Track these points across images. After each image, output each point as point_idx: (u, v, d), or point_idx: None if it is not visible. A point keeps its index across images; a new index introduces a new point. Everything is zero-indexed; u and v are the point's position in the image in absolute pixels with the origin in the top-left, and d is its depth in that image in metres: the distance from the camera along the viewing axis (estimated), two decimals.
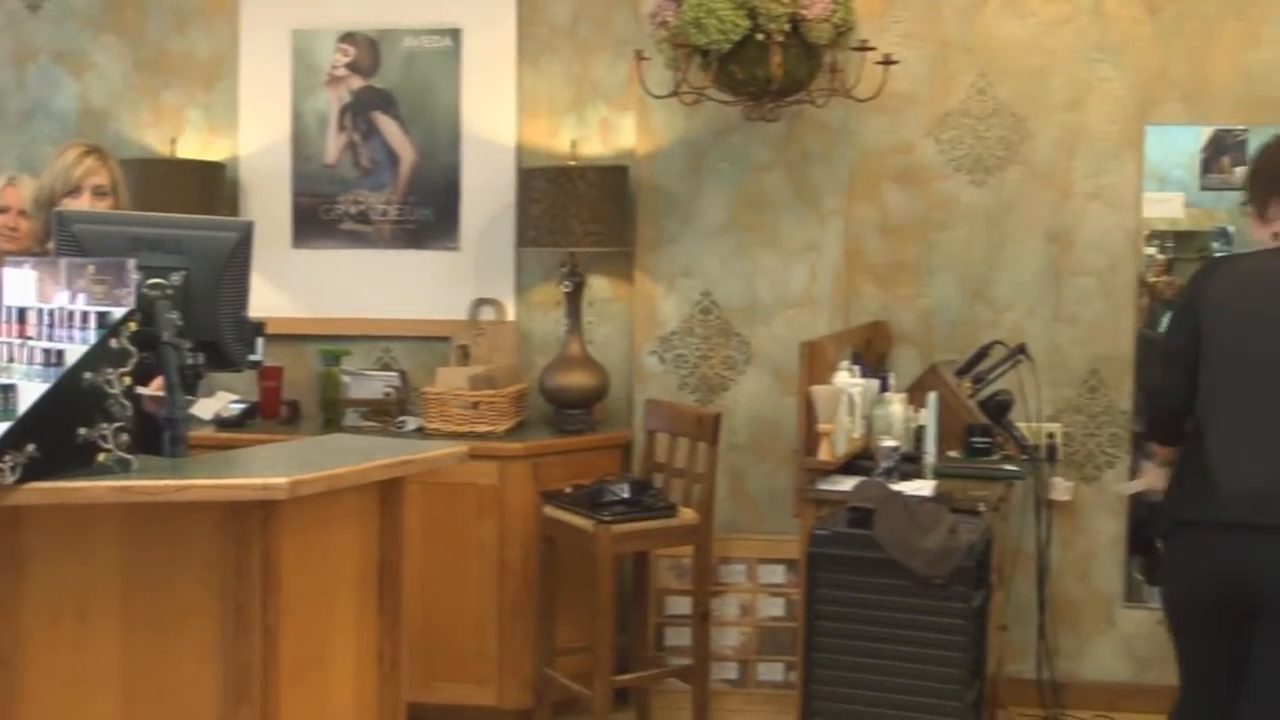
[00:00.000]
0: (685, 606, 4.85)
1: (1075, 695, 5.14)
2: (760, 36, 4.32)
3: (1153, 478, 3.93)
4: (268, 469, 3.14)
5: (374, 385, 5.18)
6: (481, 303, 5.35)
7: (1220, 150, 5.32)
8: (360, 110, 5.41)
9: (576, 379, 5.04)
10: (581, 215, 4.89)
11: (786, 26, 4.31)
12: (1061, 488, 5.14)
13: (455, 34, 5.34)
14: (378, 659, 3.37)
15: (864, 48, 4.53)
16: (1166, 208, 5.18)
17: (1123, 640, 5.22)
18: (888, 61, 4.56)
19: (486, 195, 5.35)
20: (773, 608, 4.95)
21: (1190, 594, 3.44)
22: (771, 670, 4.94)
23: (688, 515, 4.62)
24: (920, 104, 5.19)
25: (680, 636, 4.91)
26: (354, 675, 3.28)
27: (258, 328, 3.39)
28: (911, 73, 5.12)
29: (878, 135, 5.19)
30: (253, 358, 3.40)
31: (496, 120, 5.34)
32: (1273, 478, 3.26)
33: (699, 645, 4.70)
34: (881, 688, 3.70)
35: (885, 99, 4.73)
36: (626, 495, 4.55)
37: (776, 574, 4.94)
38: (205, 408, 5.08)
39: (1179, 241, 5.19)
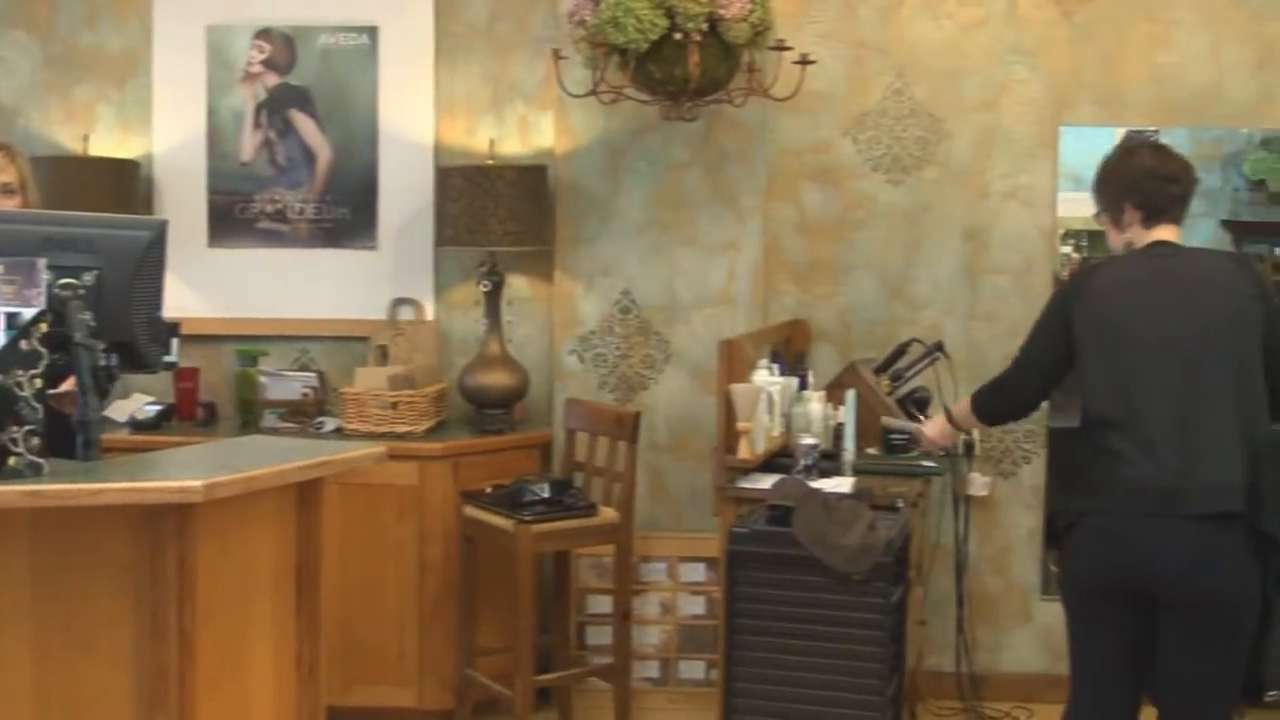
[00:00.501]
0: (606, 605, 4.86)
1: (993, 687, 5.21)
2: (678, 36, 4.32)
3: (934, 430, 4.14)
4: (183, 472, 3.09)
5: (292, 386, 5.13)
6: (400, 302, 5.32)
7: None
8: (276, 108, 5.36)
9: (496, 378, 5.02)
10: (500, 214, 4.88)
11: (704, 26, 4.33)
12: (979, 483, 5.20)
13: (372, 31, 5.30)
14: (296, 663, 3.34)
15: (781, 47, 4.55)
16: (1081, 207, 5.25)
17: (1040, 632, 5.29)
18: (805, 61, 4.59)
19: (404, 194, 5.31)
20: (693, 606, 4.96)
21: (1091, 580, 3.51)
22: (693, 668, 4.96)
23: (608, 514, 4.62)
24: (837, 104, 5.23)
25: (601, 635, 4.91)
26: (272, 680, 3.25)
27: (172, 328, 3.34)
28: (829, 73, 5.15)
29: (795, 135, 5.22)
30: (167, 359, 3.35)
31: (414, 119, 5.31)
32: (1174, 471, 3.33)
33: (620, 644, 4.71)
34: (802, 684, 3.73)
35: (803, 99, 4.77)
36: (547, 495, 4.54)
37: (697, 572, 4.95)
38: (119, 410, 5.01)
39: (1093, 241, 5.26)
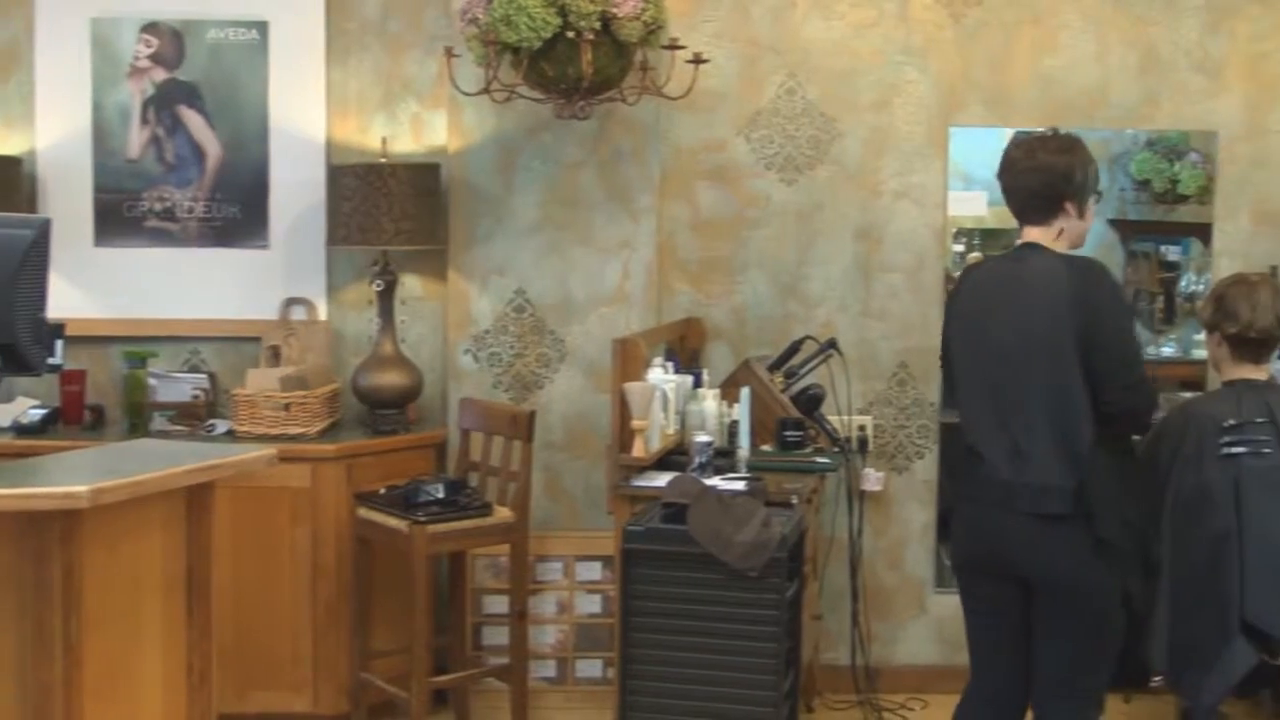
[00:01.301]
0: (502, 605, 4.84)
1: (888, 679, 5.27)
2: (571, 34, 4.31)
3: None
4: (69, 477, 3.04)
5: (182, 388, 5.05)
6: (292, 302, 5.26)
7: None
8: (164, 103, 5.26)
9: (390, 378, 4.99)
10: (393, 213, 4.84)
11: (597, 24, 4.32)
12: (873, 478, 5.26)
13: (262, 26, 5.23)
14: (187, 671, 3.30)
15: (674, 46, 4.57)
16: (971, 206, 5.33)
17: (933, 624, 5.36)
18: (698, 60, 4.60)
19: (296, 192, 5.25)
20: (590, 604, 4.96)
21: (963, 560, 3.68)
22: (590, 667, 4.96)
23: (503, 514, 4.61)
24: (731, 103, 5.25)
25: (498, 636, 4.89)
26: (162, 689, 3.21)
27: (57, 329, 3.29)
28: (722, 72, 5.17)
29: (689, 133, 5.23)
30: (52, 361, 3.30)
31: (305, 116, 5.24)
32: (1008, 470, 3.47)
33: (516, 644, 4.70)
34: (698, 680, 3.75)
35: (696, 98, 4.79)
36: (441, 495, 4.52)
37: (593, 571, 4.96)
38: (3, 414, 4.91)
39: (985, 239, 5.34)
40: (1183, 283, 5.45)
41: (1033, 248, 3.56)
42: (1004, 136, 5.24)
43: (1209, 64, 5.30)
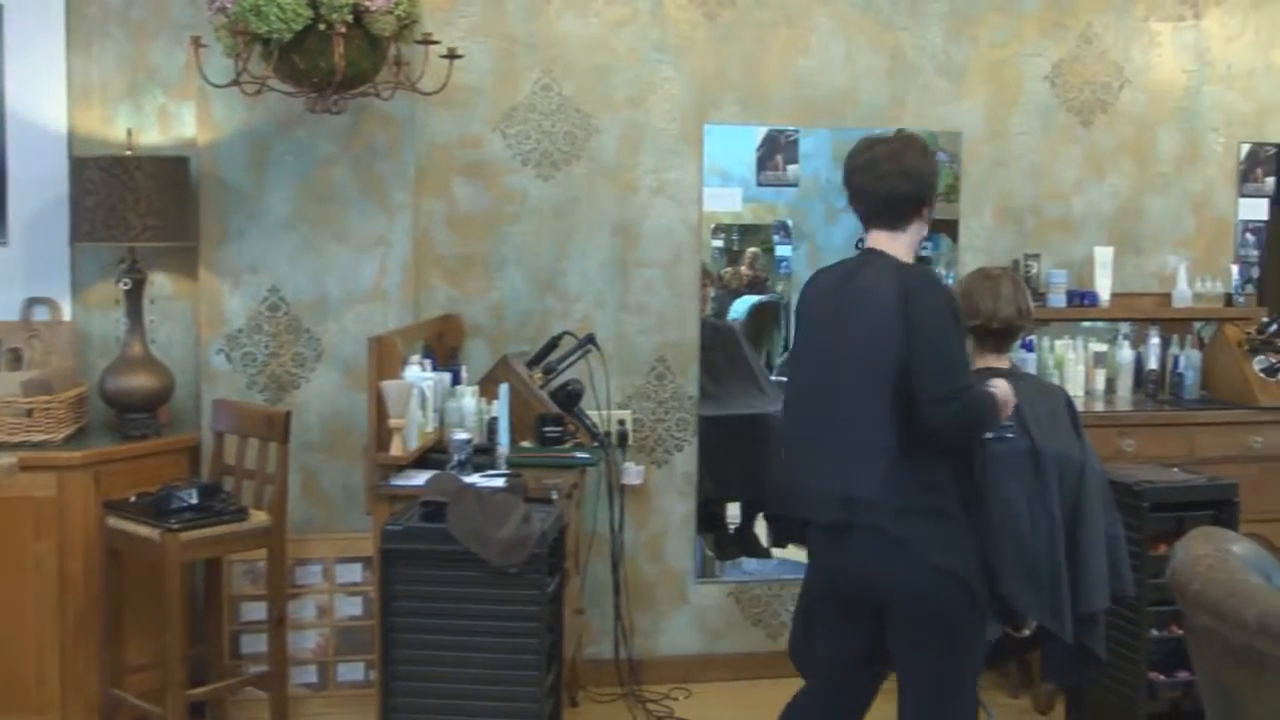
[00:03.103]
0: (261, 612, 4.73)
1: (652, 671, 5.34)
2: (322, 26, 4.24)
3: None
4: None
5: None
6: (34, 302, 5.04)
7: (774, 149, 5.62)
8: None
9: (139, 381, 4.83)
10: (140, 208, 4.68)
11: (349, 17, 4.25)
12: (633, 472, 5.31)
13: None
14: None
15: (428, 41, 4.53)
16: (726, 202, 5.42)
17: (695, 614, 5.45)
18: (452, 55, 4.57)
19: (36, 186, 5.02)
20: (351, 607, 4.89)
21: (816, 583, 3.69)
22: (352, 670, 4.89)
23: (260, 518, 4.51)
24: (487, 99, 5.23)
25: (257, 643, 4.78)
26: None
27: None
28: (477, 67, 5.15)
29: (445, 129, 5.20)
30: None
31: (45, 105, 5.02)
32: (820, 483, 3.49)
33: (276, 651, 4.60)
34: (460, 679, 3.76)
35: (452, 93, 4.76)
36: (195, 500, 4.40)
37: (354, 572, 4.89)
38: None
39: (743, 234, 5.44)
40: None
41: (876, 254, 3.53)
42: (758, 135, 5.39)
43: (952, 68, 5.51)
